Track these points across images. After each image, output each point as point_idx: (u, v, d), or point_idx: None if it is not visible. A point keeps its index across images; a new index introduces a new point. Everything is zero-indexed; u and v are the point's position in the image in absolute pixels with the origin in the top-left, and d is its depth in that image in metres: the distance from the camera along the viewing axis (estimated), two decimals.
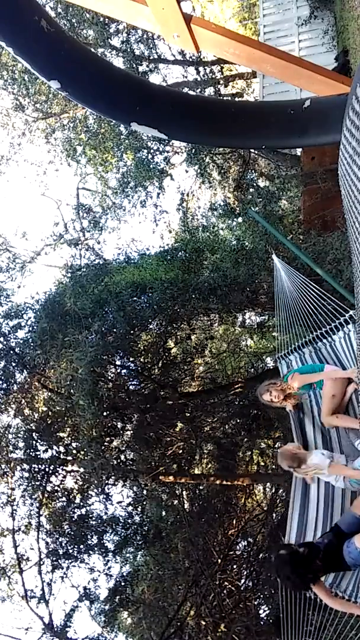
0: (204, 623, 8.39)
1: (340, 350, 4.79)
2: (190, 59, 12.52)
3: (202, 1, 17.38)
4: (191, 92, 12.41)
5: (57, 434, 8.45)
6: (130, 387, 9.05)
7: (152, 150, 10.94)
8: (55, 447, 8.41)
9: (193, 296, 7.69)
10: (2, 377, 8.20)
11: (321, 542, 3.93)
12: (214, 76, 13.52)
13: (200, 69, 13.36)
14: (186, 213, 12.37)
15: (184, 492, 9.83)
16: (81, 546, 8.41)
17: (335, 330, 4.80)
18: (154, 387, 8.86)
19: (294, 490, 4.62)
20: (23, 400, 8.73)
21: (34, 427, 8.44)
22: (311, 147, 8.72)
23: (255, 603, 8.99)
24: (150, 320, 8.20)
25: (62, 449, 8.56)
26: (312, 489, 4.53)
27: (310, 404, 4.90)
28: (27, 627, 8.23)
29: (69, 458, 8.55)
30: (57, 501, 8.69)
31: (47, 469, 8.42)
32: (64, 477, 8.63)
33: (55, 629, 8.12)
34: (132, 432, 8.79)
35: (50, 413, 8.67)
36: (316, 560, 3.69)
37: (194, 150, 10.34)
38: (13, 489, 8.47)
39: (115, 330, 7.58)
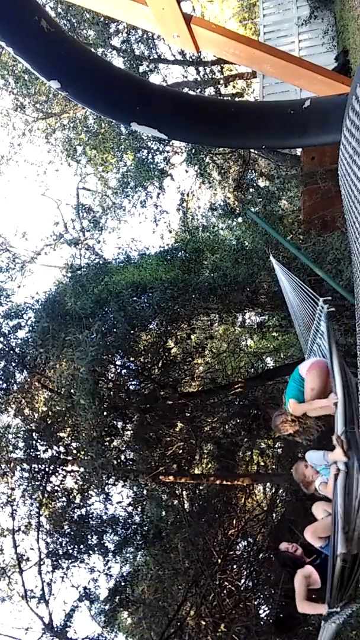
0: (204, 623, 8.39)
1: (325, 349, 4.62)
2: (190, 59, 12.53)
3: (202, 1, 17.38)
4: (191, 92, 12.41)
5: (57, 434, 8.45)
6: (131, 387, 9.05)
7: (152, 150, 10.95)
8: (55, 447, 8.40)
9: (193, 296, 7.69)
10: (2, 377, 8.20)
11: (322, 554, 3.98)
12: (214, 76, 13.53)
13: (200, 69, 13.37)
14: (186, 213, 12.39)
15: (184, 492, 9.82)
16: (81, 546, 8.41)
17: (319, 323, 4.66)
18: (154, 387, 8.85)
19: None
20: (23, 400, 8.73)
21: (34, 427, 8.44)
22: (311, 147, 8.72)
23: (255, 603, 8.98)
24: (150, 320, 8.19)
25: (62, 449, 8.56)
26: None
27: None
28: (27, 627, 8.23)
29: (69, 458, 8.55)
30: (57, 501, 8.69)
31: (47, 469, 8.41)
32: (64, 477, 8.63)
33: (55, 629, 8.11)
34: (132, 432, 8.79)
35: (50, 413, 8.67)
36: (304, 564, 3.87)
37: (194, 150, 10.34)
38: (13, 489, 8.47)
39: (115, 330, 7.58)
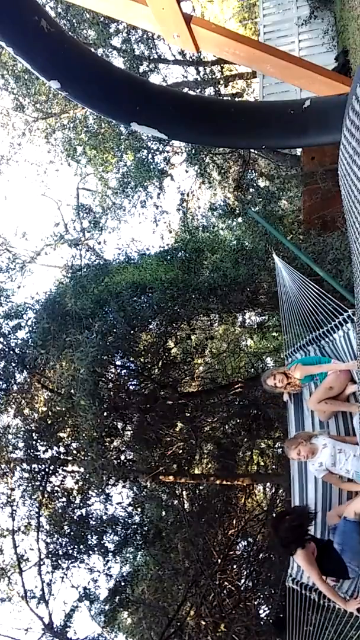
0: (204, 623, 8.39)
1: (340, 348, 4.84)
2: (190, 59, 12.53)
3: (202, 1, 17.39)
4: (191, 92, 12.41)
5: (57, 434, 8.45)
6: (131, 387, 9.05)
7: (152, 150, 10.94)
8: (55, 448, 8.40)
9: (193, 296, 7.69)
10: (2, 377, 8.19)
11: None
12: (214, 76, 13.52)
13: (200, 69, 13.37)
14: (186, 213, 12.37)
15: (184, 492, 9.82)
16: (81, 546, 8.40)
17: (335, 328, 4.84)
18: (154, 387, 8.86)
19: (292, 488, 4.64)
20: (23, 401, 8.73)
21: (34, 427, 8.44)
22: (311, 147, 8.72)
23: (255, 603, 8.98)
24: (150, 321, 8.19)
25: (62, 449, 8.56)
26: (309, 487, 4.54)
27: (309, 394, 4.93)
28: (27, 628, 8.23)
29: (69, 458, 8.54)
30: (57, 501, 8.69)
31: (47, 469, 8.41)
32: (64, 477, 8.63)
33: (55, 629, 8.11)
34: (132, 432, 8.78)
35: (50, 413, 8.67)
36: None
37: (194, 150, 10.34)
38: (13, 489, 8.47)
39: (115, 330, 7.58)
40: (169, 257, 8.50)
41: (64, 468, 8.58)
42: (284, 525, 3.95)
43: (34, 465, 8.49)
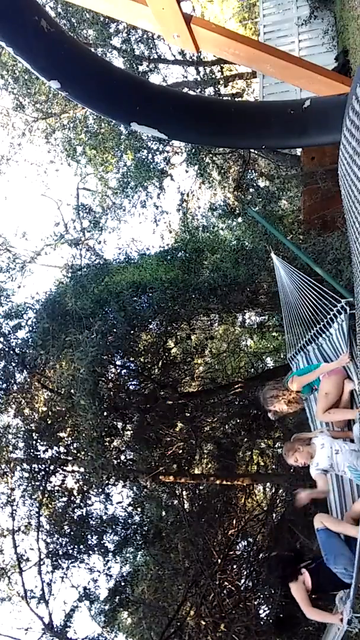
0: (204, 623, 8.38)
1: (337, 344, 4.74)
2: (190, 59, 12.53)
3: (202, 1, 17.40)
4: (191, 92, 12.41)
5: (57, 434, 8.45)
6: (131, 387, 9.05)
7: (152, 150, 10.94)
8: (55, 447, 8.40)
9: (193, 296, 7.69)
10: (2, 377, 8.19)
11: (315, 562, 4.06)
12: (214, 76, 13.52)
13: (200, 69, 13.37)
14: (186, 213, 12.38)
15: (184, 492, 9.82)
16: (81, 546, 8.41)
17: (330, 322, 4.77)
18: (154, 387, 8.86)
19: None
20: (23, 400, 8.73)
21: (34, 427, 8.44)
22: (311, 147, 8.72)
23: (255, 603, 8.97)
24: (150, 320, 8.20)
25: (62, 449, 8.56)
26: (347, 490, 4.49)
27: (310, 407, 4.87)
28: (27, 627, 8.23)
29: (69, 458, 8.55)
30: (57, 501, 8.69)
31: (47, 469, 8.41)
32: (64, 477, 8.63)
33: (55, 629, 8.11)
34: (132, 432, 8.79)
35: (50, 413, 8.67)
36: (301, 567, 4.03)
37: (194, 150, 10.34)
38: (13, 489, 8.47)
39: (115, 330, 7.58)
40: (169, 257, 8.51)
41: (64, 468, 8.58)
42: (277, 566, 4.27)
43: (34, 465, 8.49)
